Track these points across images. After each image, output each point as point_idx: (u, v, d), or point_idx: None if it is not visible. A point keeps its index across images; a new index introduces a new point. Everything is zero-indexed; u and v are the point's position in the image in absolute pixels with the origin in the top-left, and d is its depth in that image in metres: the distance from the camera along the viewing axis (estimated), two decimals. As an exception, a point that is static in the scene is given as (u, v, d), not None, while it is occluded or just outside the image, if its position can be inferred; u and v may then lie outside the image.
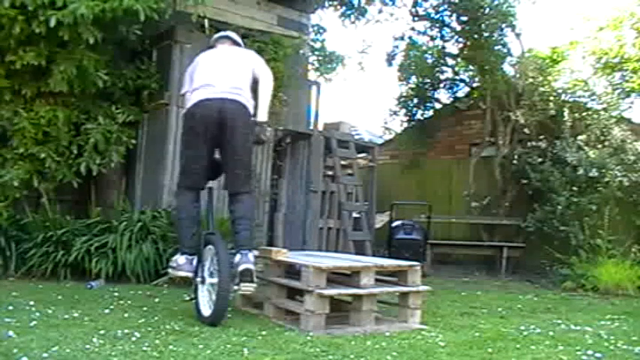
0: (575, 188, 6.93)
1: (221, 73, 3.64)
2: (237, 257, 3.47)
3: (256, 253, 3.67)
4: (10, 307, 3.53)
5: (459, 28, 8.56)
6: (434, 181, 9.04)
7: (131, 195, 6.16)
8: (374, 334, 3.27)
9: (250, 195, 3.71)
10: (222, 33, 4.10)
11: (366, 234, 6.62)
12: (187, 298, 4.29)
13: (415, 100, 9.57)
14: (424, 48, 9.14)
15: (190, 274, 3.61)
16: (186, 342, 2.91)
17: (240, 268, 3.39)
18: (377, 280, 3.62)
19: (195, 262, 3.63)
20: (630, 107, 7.96)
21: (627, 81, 7.94)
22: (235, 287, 3.43)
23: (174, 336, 3.04)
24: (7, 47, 5.00)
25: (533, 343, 3.25)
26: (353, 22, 9.12)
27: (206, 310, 3.48)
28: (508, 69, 8.43)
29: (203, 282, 3.57)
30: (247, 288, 3.39)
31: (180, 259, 3.62)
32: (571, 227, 6.78)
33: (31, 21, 4.76)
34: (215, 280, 3.45)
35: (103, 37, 4.95)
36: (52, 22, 4.61)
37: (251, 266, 3.42)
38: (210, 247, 3.58)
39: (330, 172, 6.91)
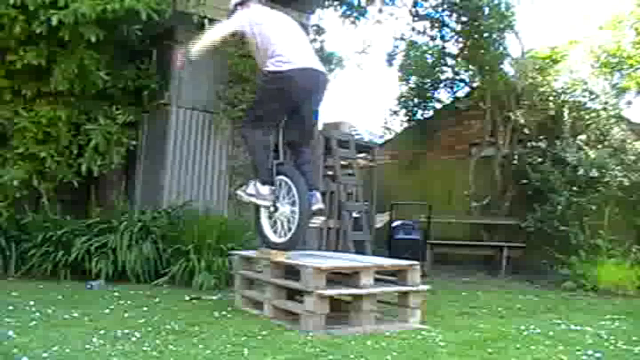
0: (575, 188, 6.91)
1: (301, 41, 3.87)
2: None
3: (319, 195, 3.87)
4: (10, 307, 3.54)
5: (458, 28, 8.55)
6: (434, 181, 9.02)
7: (131, 195, 6.16)
8: (374, 334, 3.27)
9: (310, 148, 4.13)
10: None
11: (366, 234, 6.61)
12: (187, 298, 4.30)
13: (415, 100, 9.57)
14: (424, 48, 9.13)
15: (271, 205, 3.80)
16: (186, 342, 2.92)
17: (315, 207, 3.74)
18: (377, 279, 3.63)
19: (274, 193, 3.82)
20: (629, 106, 7.97)
21: (625, 79, 7.92)
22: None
23: (174, 336, 3.05)
24: (8, 47, 5.00)
25: (533, 343, 3.25)
26: (353, 22, 9.10)
27: (275, 237, 3.80)
28: (508, 69, 8.42)
29: (276, 210, 3.79)
30: (316, 222, 3.82)
31: (262, 188, 3.78)
32: (571, 227, 6.77)
33: (31, 21, 4.76)
34: (286, 208, 3.76)
35: (103, 37, 4.95)
36: (54, 21, 4.61)
37: (322, 205, 3.80)
38: (281, 177, 3.81)
39: (330, 172, 6.89)
